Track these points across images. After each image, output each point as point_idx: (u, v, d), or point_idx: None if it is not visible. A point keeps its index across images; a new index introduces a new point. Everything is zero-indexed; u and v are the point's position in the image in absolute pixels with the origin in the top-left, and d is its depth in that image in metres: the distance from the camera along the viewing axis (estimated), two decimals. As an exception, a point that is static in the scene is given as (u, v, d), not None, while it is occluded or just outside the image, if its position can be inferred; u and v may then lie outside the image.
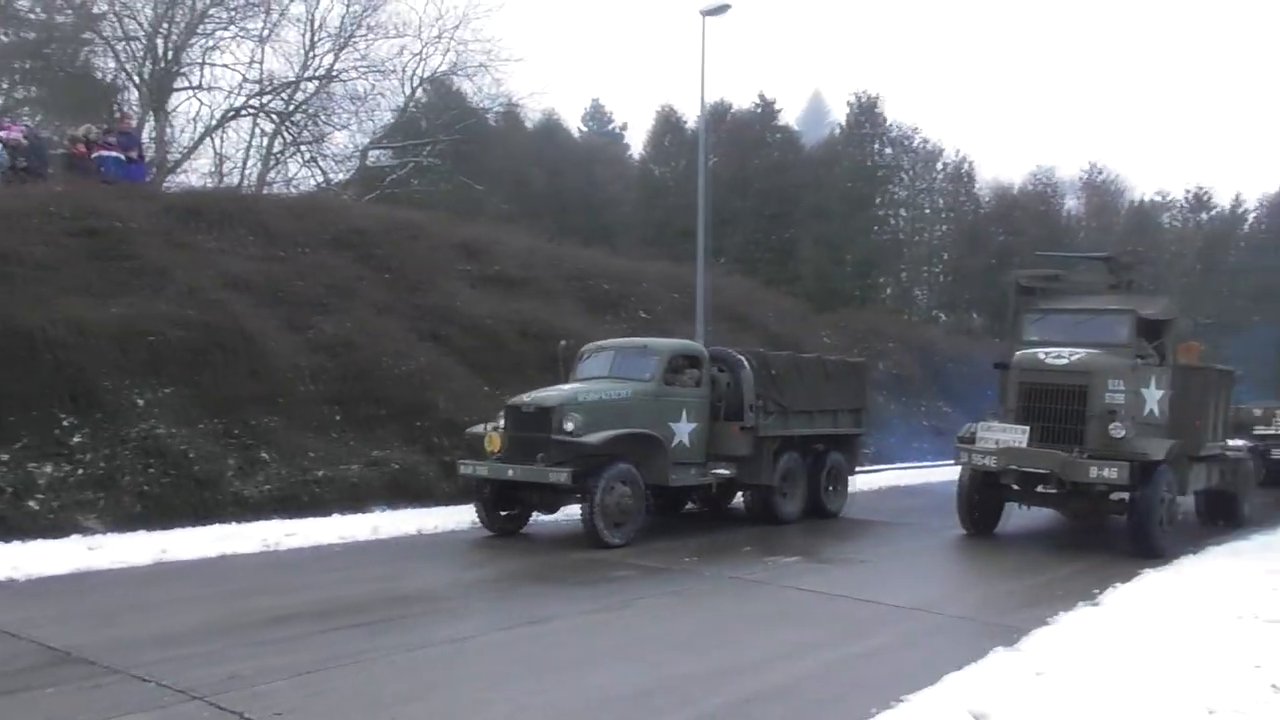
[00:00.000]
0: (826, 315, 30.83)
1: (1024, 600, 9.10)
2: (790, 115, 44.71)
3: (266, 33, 29.29)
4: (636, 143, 48.80)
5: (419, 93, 34.59)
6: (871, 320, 31.00)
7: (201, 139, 29.98)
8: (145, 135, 25.61)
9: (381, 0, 31.05)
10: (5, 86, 28.80)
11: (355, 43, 30.74)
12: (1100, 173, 43.58)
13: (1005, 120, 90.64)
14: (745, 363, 13.15)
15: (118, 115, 23.32)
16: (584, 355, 13.26)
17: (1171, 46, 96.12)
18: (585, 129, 54.98)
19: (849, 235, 37.92)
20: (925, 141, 40.45)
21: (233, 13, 28.95)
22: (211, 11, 28.78)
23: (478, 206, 33.38)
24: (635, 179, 42.69)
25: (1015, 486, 12.05)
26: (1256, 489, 15.61)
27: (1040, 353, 12.01)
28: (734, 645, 7.25)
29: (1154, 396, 12.03)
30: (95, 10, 28.54)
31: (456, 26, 32.14)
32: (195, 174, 29.71)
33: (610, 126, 56.72)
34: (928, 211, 40.01)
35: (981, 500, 12.79)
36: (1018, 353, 12.37)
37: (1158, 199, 43.82)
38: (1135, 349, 12.10)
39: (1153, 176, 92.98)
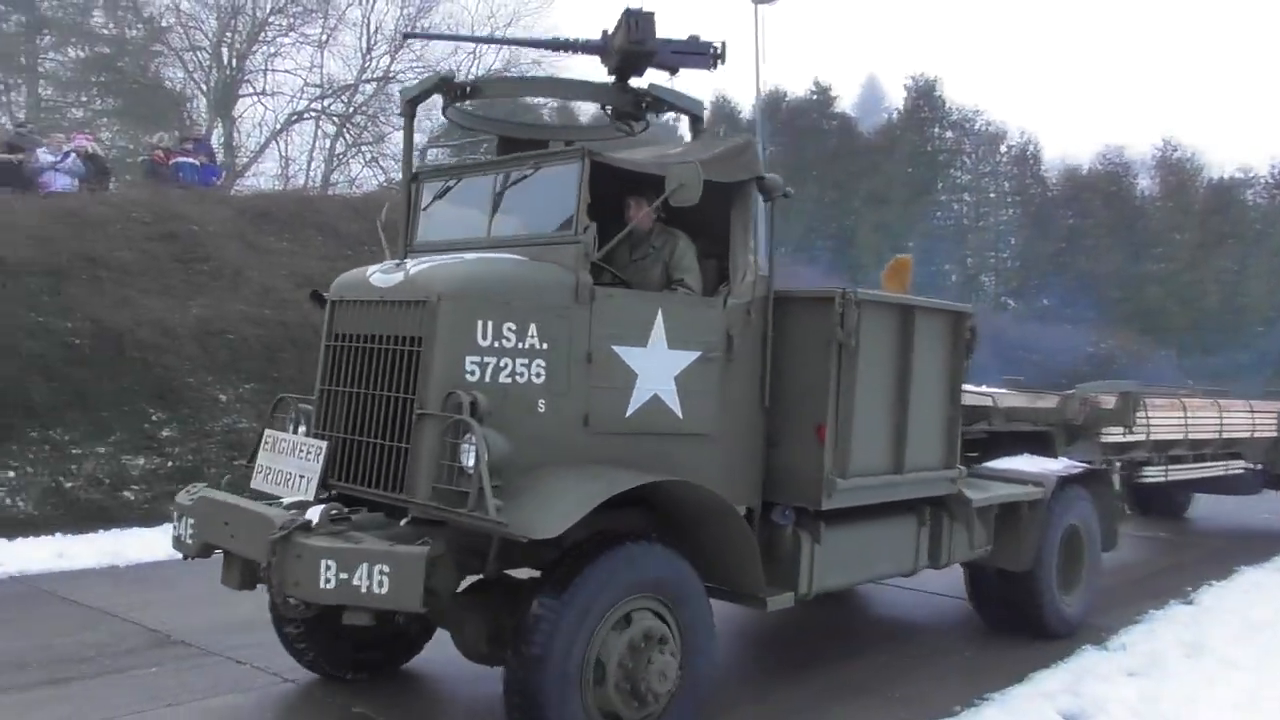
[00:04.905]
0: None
1: None
2: (846, 101, 44.34)
3: (325, 37, 29.95)
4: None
5: (476, 91, 34.91)
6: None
7: (267, 143, 30.74)
8: (214, 141, 26.31)
9: (434, 1, 31.54)
10: (85, 99, 29.79)
11: (410, 44, 31.24)
12: (1175, 149, 41.72)
13: (1070, 98, 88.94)
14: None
15: (188, 123, 23.93)
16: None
17: (1245, 12, 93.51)
18: (640, 122, 54.97)
19: (909, 221, 37.49)
20: (988, 123, 39.80)
21: (292, 19, 29.70)
22: (272, 19, 29.52)
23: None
24: (693, 170, 42.68)
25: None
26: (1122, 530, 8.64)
27: (370, 271, 5.31)
28: (808, 642, 7.41)
29: (665, 364, 5.25)
30: (163, 23, 29.44)
31: (508, 25, 32.43)
32: (262, 177, 30.48)
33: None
34: (992, 195, 39.33)
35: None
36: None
37: (1239, 175, 41.51)
38: (594, 245, 5.08)
39: (1233, 151, 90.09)
